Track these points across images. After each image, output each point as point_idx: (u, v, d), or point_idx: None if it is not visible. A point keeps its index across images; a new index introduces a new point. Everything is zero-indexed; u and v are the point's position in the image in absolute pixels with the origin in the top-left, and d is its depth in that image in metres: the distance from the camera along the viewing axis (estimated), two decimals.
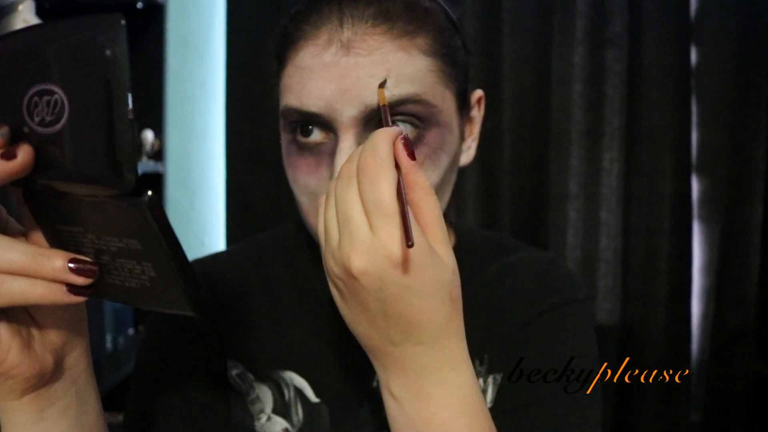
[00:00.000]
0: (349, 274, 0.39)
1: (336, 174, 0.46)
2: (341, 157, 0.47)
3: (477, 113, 0.60)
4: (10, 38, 0.35)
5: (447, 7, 0.53)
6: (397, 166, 0.39)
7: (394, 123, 0.47)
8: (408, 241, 0.36)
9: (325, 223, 0.41)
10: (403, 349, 0.41)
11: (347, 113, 0.47)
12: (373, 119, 0.48)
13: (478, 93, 0.59)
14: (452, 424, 0.42)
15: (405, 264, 0.38)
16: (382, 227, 0.38)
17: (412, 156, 0.39)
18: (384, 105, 0.44)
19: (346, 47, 0.47)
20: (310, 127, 0.50)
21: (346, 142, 0.48)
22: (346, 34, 0.48)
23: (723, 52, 1.77)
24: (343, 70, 0.47)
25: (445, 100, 0.51)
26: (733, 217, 1.81)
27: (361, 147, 0.40)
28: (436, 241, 0.40)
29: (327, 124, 0.49)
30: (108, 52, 0.30)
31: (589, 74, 1.78)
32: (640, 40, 1.77)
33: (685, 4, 1.76)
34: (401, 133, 0.40)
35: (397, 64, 0.47)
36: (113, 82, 0.31)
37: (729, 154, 1.80)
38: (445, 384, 0.42)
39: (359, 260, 0.38)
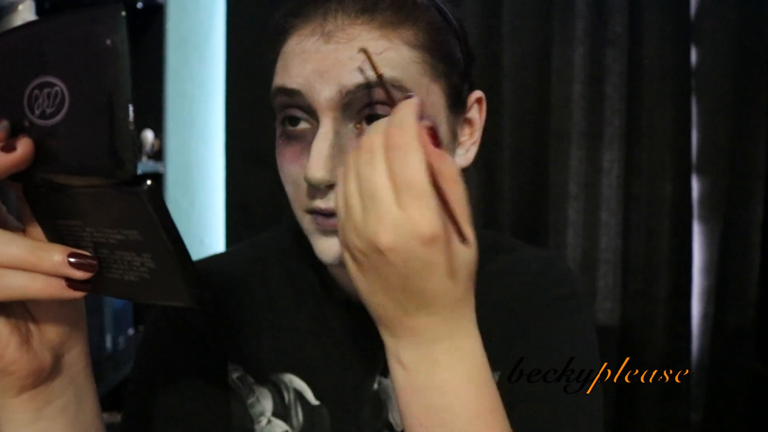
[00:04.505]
0: (375, 249, 0.39)
1: (312, 157, 0.46)
2: (318, 142, 0.47)
3: (477, 116, 0.58)
4: (10, 34, 0.35)
5: (444, 7, 0.53)
6: None
7: (380, 76, 0.46)
8: (462, 238, 0.39)
9: (345, 196, 0.41)
10: (416, 318, 0.42)
11: (324, 94, 0.47)
12: (352, 104, 0.48)
13: (477, 94, 0.57)
14: (461, 389, 0.42)
15: (434, 242, 0.39)
16: (413, 205, 0.38)
17: (435, 143, 0.40)
18: (369, 57, 0.45)
19: (327, 37, 0.48)
20: (298, 117, 0.50)
21: (325, 127, 0.48)
22: (329, 26, 0.48)
23: (723, 52, 1.77)
24: (323, 55, 0.48)
25: (430, 94, 0.50)
26: (733, 217, 1.82)
27: (382, 121, 0.41)
28: (463, 221, 0.41)
29: (308, 107, 0.49)
30: (108, 42, 0.31)
31: (589, 74, 1.78)
32: (640, 40, 1.77)
33: (685, 4, 1.76)
34: (421, 104, 0.41)
35: (377, 50, 0.47)
36: (113, 72, 0.31)
37: (729, 154, 1.80)
38: (455, 351, 0.43)
39: (387, 236, 0.38)
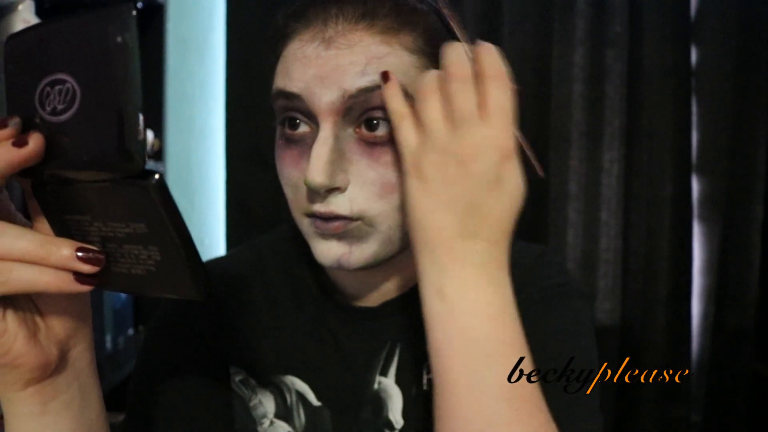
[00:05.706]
0: (458, 161, 0.43)
1: (312, 161, 0.47)
2: (318, 147, 0.48)
3: None
4: (22, 34, 0.36)
5: (445, 13, 0.53)
6: None
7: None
8: (539, 171, 0.47)
9: (429, 121, 0.45)
10: (470, 242, 0.44)
11: (325, 98, 0.48)
12: (353, 108, 0.48)
13: None
14: (500, 317, 0.45)
15: (510, 157, 0.44)
16: (500, 125, 0.43)
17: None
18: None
19: (328, 42, 0.48)
20: (297, 120, 0.50)
21: (325, 131, 0.48)
22: (329, 32, 0.48)
23: (723, 52, 1.78)
24: (323, 60, 0.48)
25: None
26: (733, 217, 1.82)
27: (460, 51, 0.45)
28: (533, 156, 0.47)
29: (308, 112, 0.49)
30: (119, 39, 0.31)
31: (589, 74, 1.79)
32: (640, 40, 1.77)
33: (685, 4, 1.76)
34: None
35: (378, 55, 0.48)
36: (124, 68, 0.32)
37: (729, 154, 1.80)
38: (496, 280, 0.45)
39: (473, 148, 0.43)
